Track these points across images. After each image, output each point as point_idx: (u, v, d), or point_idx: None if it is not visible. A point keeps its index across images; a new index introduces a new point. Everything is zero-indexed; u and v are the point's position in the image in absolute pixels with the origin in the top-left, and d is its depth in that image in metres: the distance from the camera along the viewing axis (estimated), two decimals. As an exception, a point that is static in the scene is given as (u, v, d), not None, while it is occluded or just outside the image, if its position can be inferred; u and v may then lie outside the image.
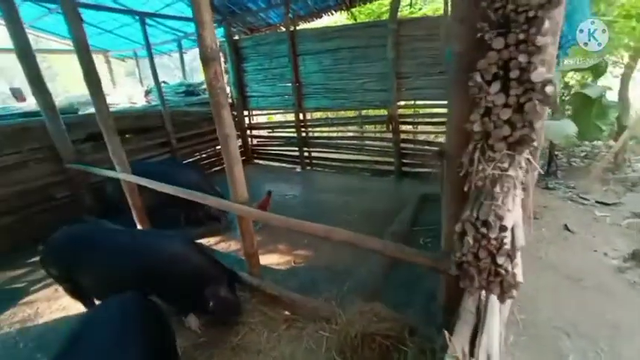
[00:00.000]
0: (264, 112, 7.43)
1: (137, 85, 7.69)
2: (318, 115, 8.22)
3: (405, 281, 2.71)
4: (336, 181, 5.67)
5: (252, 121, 7.19)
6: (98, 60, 8.60)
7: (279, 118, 9.93)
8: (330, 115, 6.56)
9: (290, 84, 5.99)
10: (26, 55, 3.78)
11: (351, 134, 6.77)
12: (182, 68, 8.56)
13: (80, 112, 4.71)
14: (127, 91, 7.02)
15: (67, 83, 11.13)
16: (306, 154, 6.50)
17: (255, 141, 7.24)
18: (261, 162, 7.18)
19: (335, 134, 7.00)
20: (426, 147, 5.12)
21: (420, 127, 6.33)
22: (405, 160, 5.40)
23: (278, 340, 2.24)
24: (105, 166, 3.73)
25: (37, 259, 2.72)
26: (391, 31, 4.63)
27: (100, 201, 4.32)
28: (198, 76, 9.81)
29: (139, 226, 3.55)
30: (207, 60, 1.98)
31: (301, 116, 6.25)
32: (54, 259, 2.33)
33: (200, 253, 2.34)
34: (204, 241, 3.83)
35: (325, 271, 3.02)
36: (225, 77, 6.34)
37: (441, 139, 5.02)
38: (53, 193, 4.20)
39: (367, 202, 4.51)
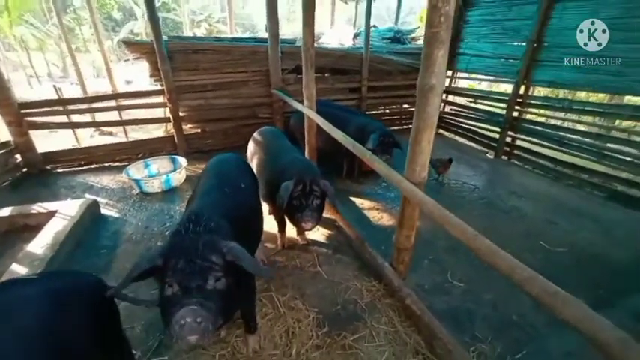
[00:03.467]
0: (473, 76, 6.03)
1: (350, 29, 7.79)
2: (543, 92, 6.13)
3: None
4: (542, 187, 4.07)
5: (452, 84, 6.06)
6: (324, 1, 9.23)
7: (480, 86, 8.11)
8: (565, 94, 4.62)
9: (525, 43, 4.44)
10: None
11: (585, 129, 4.61)
12: (397, 14, 8.05)
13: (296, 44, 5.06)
14: (339, 34, 7.16)
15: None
16: (508, 139, 5.00)
17: (448, 108, 6.15)
18: (446, 134, 6.09)
19: (562, 124, 4.92)
20: None
21: None
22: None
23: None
24: (298, 98, 3.87)
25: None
26: None
27: (285, 129, 4.70)
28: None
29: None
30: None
31: (522, 90, 4.68)
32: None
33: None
34: (357, 201, 3.57)
35: (490, 310, 2.15)
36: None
37: None
38: (257, 112, 4.87)
39: (590, 238, 2.97)
